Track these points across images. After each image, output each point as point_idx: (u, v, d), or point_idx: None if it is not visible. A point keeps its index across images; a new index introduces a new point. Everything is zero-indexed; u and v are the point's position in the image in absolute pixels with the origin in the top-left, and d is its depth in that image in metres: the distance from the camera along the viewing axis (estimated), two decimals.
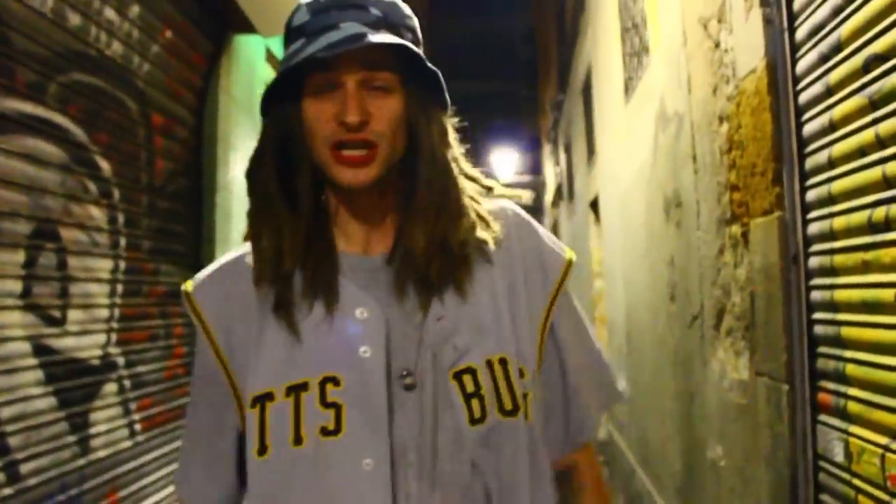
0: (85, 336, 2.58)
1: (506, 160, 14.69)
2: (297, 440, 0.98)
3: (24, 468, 2.24)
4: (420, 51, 1.03)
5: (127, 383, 2.89)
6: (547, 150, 14.11)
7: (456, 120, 1.10)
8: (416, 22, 1.08)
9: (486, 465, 1.01)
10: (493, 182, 1.15)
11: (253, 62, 4.18)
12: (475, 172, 1.12)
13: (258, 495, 1.01)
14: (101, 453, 2.67)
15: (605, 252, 6.89)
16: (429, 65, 1.03)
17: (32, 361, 2.29)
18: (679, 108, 3.61)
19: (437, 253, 1.03)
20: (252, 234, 1.05)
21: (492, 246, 1.08)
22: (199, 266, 3.58)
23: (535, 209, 17.18)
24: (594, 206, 7.42)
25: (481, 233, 1.07)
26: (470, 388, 1.02)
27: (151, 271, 3.13)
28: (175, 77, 3.31)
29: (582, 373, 1.17)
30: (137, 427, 2.95)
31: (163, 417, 3.14)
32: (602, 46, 6.34)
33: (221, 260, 1.10)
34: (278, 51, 4.73)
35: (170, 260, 3.31)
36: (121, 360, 2.85)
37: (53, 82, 2.38)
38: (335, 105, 0.98)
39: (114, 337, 2.79)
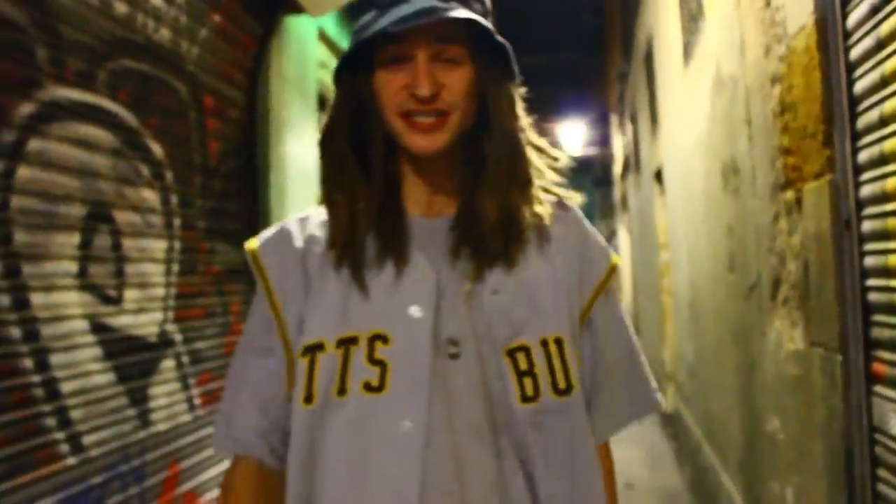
0: (141, 314, 2.68)
1: (574, 133, 14.49)
2: (342, 390, 1.01)
3: (87, 440, 2.35)
4: (490, 23, 1.05)
5: (185, 359, 2.99)
6: (614, 121, 13.88)
7: (524, 90, 1.12)
8: None
9: (534, 444, 1.02)
10: (560, 153, 1.16)
11: (304, 42, 4.23)
12: (543, 143, 1.14)
13: (301, 444, 1.03)
14: (162, 426, 2.78)
15: (670, 223, 6.77)
16: (498, 38, 1.04)
17: (90, 339, 2.39)
18: (733, 71, 3.50)
19: (506, 223, 1.05)
20: (326, 199, 1.09)
21: (548, 222, 1.09)
22: None
23: (605, 182, 16.92)
24: (658, 176, 7.28)
25: (539, 208, 1.09)
26: (523, 365, 1.02)
27: (207, 250, 3.22)
28: (225, 59, 3.38)
29: (615, 374, 1.15)
30: (197, 401, 3.05)
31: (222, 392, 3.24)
32: (662, 12, 6.19)
33: (287, 221, 1.13)
34: (331, 30, 4.78)
35: (225, 239, 3.40)
36: (178, 337, 2.94)
37: (103, 70, 2.47)
38: (406, 77, 1.01)
39: (170, 314, 2.89)
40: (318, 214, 1.12)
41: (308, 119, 4.27)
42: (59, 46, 2.25)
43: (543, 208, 1.11)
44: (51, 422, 2.20)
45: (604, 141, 15.24)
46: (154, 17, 2.77)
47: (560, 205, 1.14)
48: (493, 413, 1.02)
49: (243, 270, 3.57)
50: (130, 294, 2.62)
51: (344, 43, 5.00)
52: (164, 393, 2.82)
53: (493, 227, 1.05)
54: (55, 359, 2.22)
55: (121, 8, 2.57)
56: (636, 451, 6.60)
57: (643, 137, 8.75)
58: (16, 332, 2.07)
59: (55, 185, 2.23)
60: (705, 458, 4.92)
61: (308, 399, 1.02)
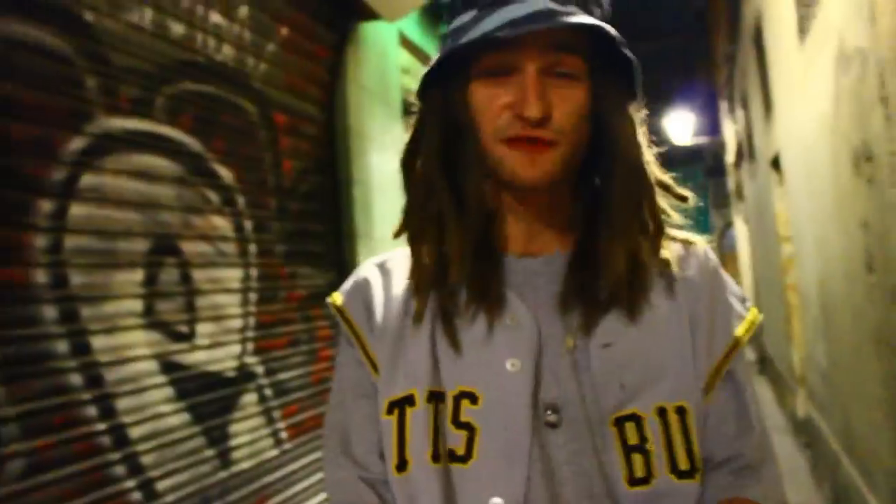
0: (217, 349, 2.55)
1: (683, 122, 13.85)
2: (436, 457, 0.85)
3: (161, 485, 2.23)
4: (614, 31, 0.85)
5: (268, 392, 2.85)
6: (724, 107, 13.17)
7: (644, 113, 0.93)
8: None
9: None
10: (687, 192, 0.96)
11: (384, 49, 4.06)
12: (668, 179, 0.94)
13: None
14: (245, 465, 2.64)
15: (792, 214, 6.25)
16: (626, 51, 0.84)
17: (160, 379, 2.27)
18: (862, 43, 3.08)
19: (631, 272, 0.88)
20: (410, 236, 0.92)
21: (675, 269, 0.91)
22: (342, 264, 3.52)
23: (718, 172, 16.18)
24: (775, 163, 6.75)
25: (665, 252, 0.92)
26: (633, 439, 0.84)
27: (288, 275, 3.08)
28: (297, 73, 3.24)
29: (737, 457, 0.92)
30: (283, 435, 2.91)
31: (313, 422, 3.09)
32: None
33: (360, 270, 1.00)
34: (413, 34, 4.59)
35: (308, 261, 3.25)
36: (259, 369, 2.81)
37: (160, 95, 2.35)
38: (511, 93, 0.83)
39: (249, 346, 2.76)
40: (398, 258, 0.97)
41: (392, 129, 4.09)
42: (111, 75, 2.14)
43: (670, 252, 0.92)
44: (120, 470, 2.09)
45: (713, 128, 14.52)
46: (215, 35, 2.64)
47: (687, 246, 0.95)
48: (594, 494, 0.83)
49: (330, 292, 3.42)
50: (203, 329, 2.49)
51: (428, 46, 4.80)
52: (246, 429, 2.68)
53: (619, 277, 0.86)
54: (122, 403, 2.11)
55: (177, 29, 2.44)
56: None
57: (756, 123, 8.19)
58: (76, 378, 1.96)
59: (112, 220, 2.11)
60: (846, 476, 4.44)
61: (401, 467, 0.86)
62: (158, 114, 2.33)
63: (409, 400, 0.87)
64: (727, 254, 19.19)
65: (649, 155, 0.92)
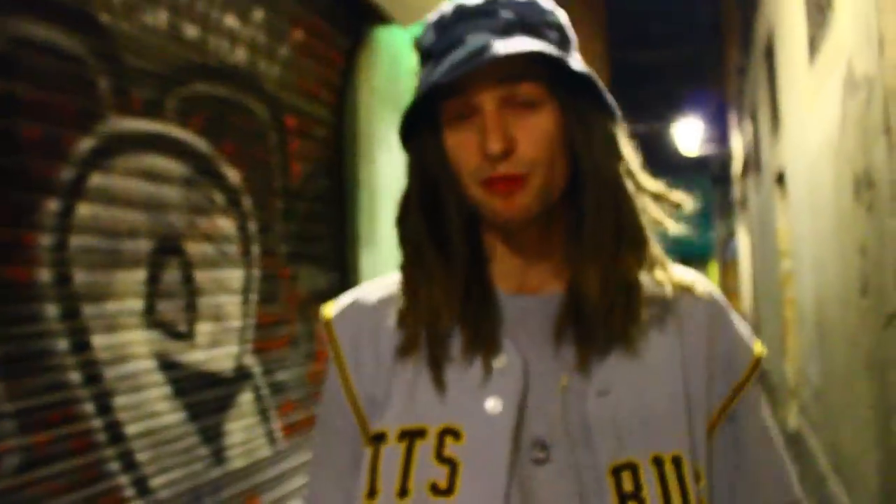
0: (215, 348, 2.58)
1: (691, 131, 13.84)
2: (403, 492, 0.86)
3: (154, 482, 2.26)
4: (568, 51, 0.87)
5: (265, 391, 2.88)
6: (733, 117, 13.16)
7: (625, 125, 0.93)
8: (559, 16, 0.90)
9: None
10: (681, 196, 0.95)
11: (397, 53, 4.07)
12: (658, 187, 0.94)
13: None
14: (239, 463, 2.68)
15: (793, 230, 6.26)
16: (576, 67, 0.85)
17: (158, 377, 2.30)
18: (869, 71, 3.10)
19: (614, 297, 0.87)
20: (406, 288, 0.94)
21: (671, 299, 0.90)
22: (345, 267, 3.56)
23: (724, 180, 16.16)
24: (780, 179, 6.76)
25: (661, 274, 0.90)
26: (628, 486, 0.84)
27: (290, 276, 3.10)
28: (310, 77, 3.26)
29: (757, 476, 0.94)
30: (278, 434, 2.94)
31: (308, 422, 3.12)
32: (784, 2, 5.71)
33: (361, 290, 1.00)
34: None
35: (311, 263, 3.28)
36: (257, 369, 2.84)
37: (172, 97, 2.37)
38: (476, 133, 0.85)
39: (248, 346, 2.79)
40: (393, 285, 0.97)
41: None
42: (123, 76, 2.17)
43: (666, 274, 0.91)
44: (114, 466, 2.12)
45: (722, 137, 14.51)
46: (229, 38, 2.66)
47: (697, 287, 0.94)
48: None
49: (330, 294, 3.45)
50: (203, 328, 2.52)
51: None
52: (241, 428, 2.72)
53: (597, 301, 0.86)
54: (119, 401, 2.14)
55: (191, 31, 2.47)
56: None
57: (763, 137, 8.20)
58: (75, 376, 1.99)
59: (118, 220, 2.14)
60: (831, 494, 4.47)
61: (371, 495, 0.88)
62: (169, 115, 2.36)
63: (381, 437, 0.89)
64: (729, 263, 19.22)
65: (634, 166, 0.92)
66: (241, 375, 2.74)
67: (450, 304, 0.89)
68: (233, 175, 2.71)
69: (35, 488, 1.83)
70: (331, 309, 0.98)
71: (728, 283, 19.59)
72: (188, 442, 2.43)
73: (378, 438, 0.89)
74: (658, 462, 0.85)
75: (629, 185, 0.90)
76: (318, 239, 3.36)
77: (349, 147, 3.60)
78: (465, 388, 0.88)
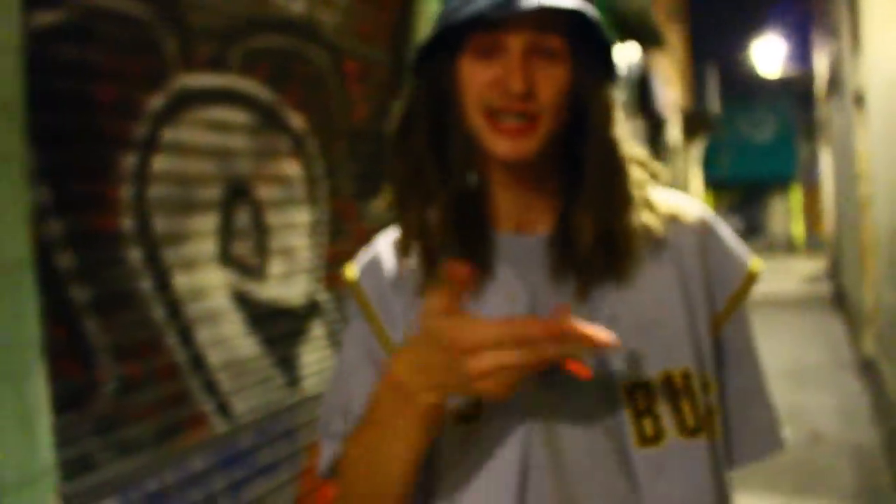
0: (287, 284, 2.78)
1: (772, 50, 13.30)
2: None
3: (236, 407, 2.49)
4: (594, 13, 0.95)
5: (337, 323, 3.08)
6: (817, 35, 12.57)
7: (620, 93, 1.01)
8: None
9: (650, 488, 0.93)
10: (658, 165, 1.04)
11: None
12: (642, 155, 1.03)
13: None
14: (314, 390, 2.90)
15: (871, 155, 6.07)
16: (604, 31, 0.94)
17: (235, 312, 2.51)
18: None
19: (603, 242, 0.96)
20: (398, 204, 1.02)
21: (660, 234, 0.98)
22: None
23: (808, 102, 15.53)
24: (859, 101, 6.52)
25: (648, 217, 0.99)
26: (642, 404, 0.94)
27: (355, 213, 3.27)
28: (367, 21, 3.36)
29: (738, 407, 1.03)
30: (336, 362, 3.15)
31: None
32: None
33: (376, 244, 1.08)
34: None
35: (376, 199, 3.43)
36: (328, 302, 3.04)
37: (235, 51, 2.51)
38: (497, 69, 0.92)
39: (319, 281, 2.98)
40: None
41: None
42: (188, 35, 2.31)
43: (656, 214, 0.99)
44: (199, 392, 2.35)
45: (805, 58, 13.89)
46: None
47: (686, 210, 1.02)
48: (604, 449, 0.93)
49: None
50: (275, 266, 2.71)
51: None
52: (316, 359, 2.93)
53: (590, 245, 0.95)
54: (201, 334, 2.35)
55: None
56: (827, 399, 6.16)
57: (844, 56, 7.87)
58: (159, 312, 2.20)
59: (191, 170, 2.32)
60: None
61: None
62: (233, 69, 2.50)
63: None
64: (813, 187, 18.59)
65: (625, 132, 0.99)
66: (312, 308, 2.94)
67: (442, 226, 0.96)
68: (297, 121, 2.86)
69: (130, 412, 2.07)
70: (353, 269, 1.07)
71: (812, 207, 19.01)
72: (266, 371, 2.65)
73: None
74: (668, 378, 0.94)
75: (623, 148, 0.99)
76: (381, 175, 3.50)
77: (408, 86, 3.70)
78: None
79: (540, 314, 0.94)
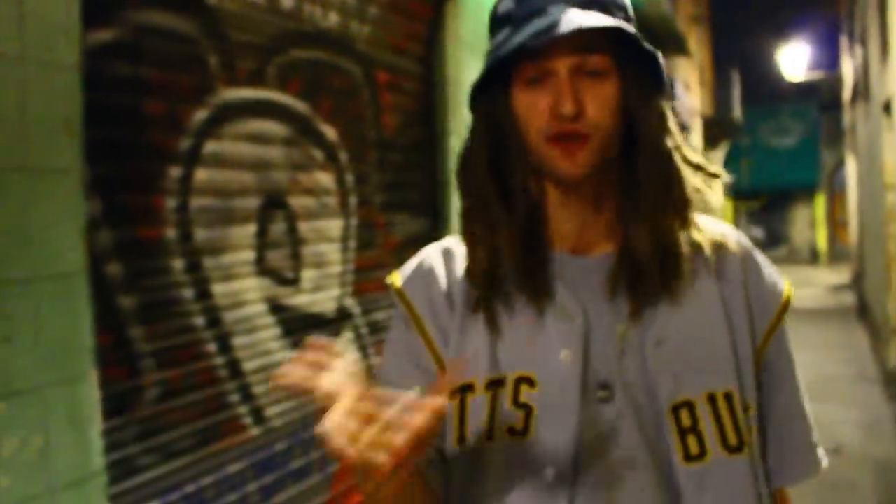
0: (318, 292, 2.85)
1: (797, 55, 13.24)
2: (490, 436, 1.00)
3: (269, 412, 2.56)
4: (633, 29, 0.98)
5: (364, 330, 3.15)
6: (844, 41, 12.49)
7: (674, 103, 1.05)
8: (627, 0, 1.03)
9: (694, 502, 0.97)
10: (719, 169, 1.08)
11: (482, 2, 4.17)
12: (700, 159, 1.05)
13: (460, 475, 1.03)
14: None
15: None
16: (645, 45, 0.98)
17: (270, 320, 2.58)
18: None
19: (662, 254, 0.99)
20: (466, 233, 1.05)
21: (708, 253, 1.02)
22: (437, 211, 3.76)
23: (834, 107, 15.43)
24: (887, 109, 6.50)
25: (698, 235, 1.02)
26: (686, 422, 0.97)
27: (385, 223, 3.33)
28: (398, 32, 3.42)
29: (779, 428, 1.06)
30: (376, 370, 3.21)
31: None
32: None
33: (422, 254, 1.11)
34: None
35: (405, 209, 3.49)
36: (356, 310, 3.10)
37: (272, 65, 2.58)
38: (548, 95, 0.96)
39: (348, 289, 3.04)
40: (455, 246, 1.08)
41: None
42: (229, 50, 2.39)
43: (703, 235, 1.03)
44: (235, 398, 2.42)
45: (832, 62, 13.81)
46: (321, 4, 2.84)
47: (728, 237, 1.06)
48: (649, 466, 0.97)
49: (423, 238, 3.66)
50: (307, 274, 2.78)
51: None
52: None
53: (648, 258, 0.98)
54: (237, 341, 2.42)
55: (287, 2, 2.66)
56: (850, 413, 6.12)
57: (873, 63, 7.83)
58: (200, 319, 2.27)
59: (230, 181, 2.39)
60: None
61: (461, 441, 1.01)
62: (271, 82, 2.57)
63: (469, 388, 0.99)
64: (837, 194, 18.45)
65: (679, 139, 1.02)
66: (342, 316, 3.01)
67: (510, 250, 1.00)
68: (330, 132, 2.93)
69: (171, 416, 2.14)
70: (398, 277, 1.09)
71: (836, 215, 18.86)
72: None
73: (465, 389, 0.99)
74: (712, 398, 0.97)
75: (677, 157, 1.02)
76: (411, 186, 3.56)
77: (438, 96, 3.75)
78: (535, 341, 0.99)
79: (594, 334, 0.99)
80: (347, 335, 3.04)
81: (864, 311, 10.25)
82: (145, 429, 2.05)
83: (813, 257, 20.80)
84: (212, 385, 2.32)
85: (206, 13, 2.29)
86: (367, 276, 3.17)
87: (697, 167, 1.05)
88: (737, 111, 16.13)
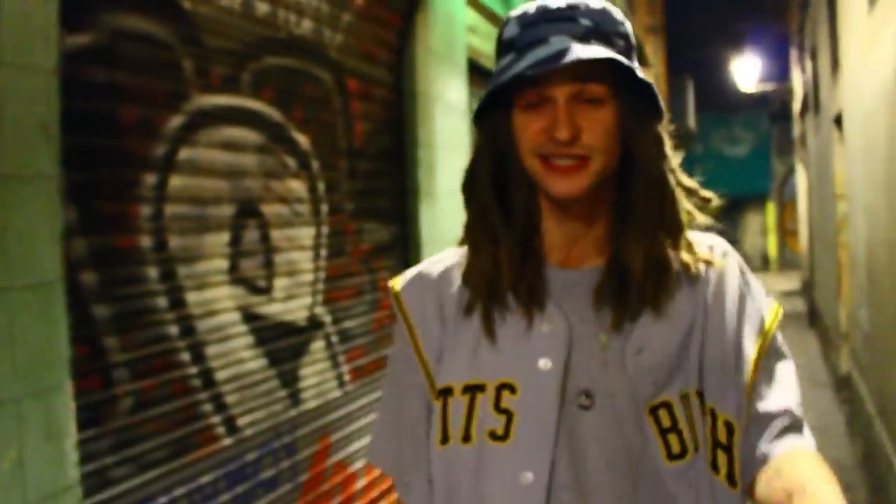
0: (290, 301, 2.83)
1: (750, 67, 13.56)
2: (466, 438, 1.04)
3: (241, 421, 2.54)
4: (631, 59, 1.03)
5: (334, 339, 3.14)
6: (794, 54, 12.83)
7: (672, 127, 1.09)
8: (628, 27, 1.06)
9: (684, 499, 1.01)
10: (711, 193, 1.12)
11: (452, 10, 4.19)
12: (693, 183, 1.10)
13: (439, 484, 1.08)
14: (312, 404, 2.94)
15: (849, 174, 6.24)
16: (641, 76, 1.01)
17: (242, 329, 2.55)
18: None
19: (650, 270, 1.03)
20: (469, 244, 1.10)
21: (694, 271, 1.06)
22: (405, 219, 3.77)
23: (784, 118, 15.82)
24: (838, 121, 6.70)
25: (687, 256, 1.06)
26: (666, 422, 1.01)
27: (355, 231, 3.32)
28: (369, 40, 3.42)
29: (768, 419, 1.05)
30: (346, 378, 3.21)
31: (372, 366, 3.37)
32: None
33: (424, 264, 1.17)
34: None
35: (374, 217, 3.49)
36: (327, 318, 3.09)
37: (246, 71, 2.57)
38: (545, 119, 1.00)
39: (319, 298, 3.03)
40: (453, 257, 1.14)
41: (457, 89, 4.26)
42: (204, 56, 2.36)
43: (692, 256, 1.06)
44: (208, 407, 2.39)
45: (782, 74, 14.17)
46: (295, 11, 2.83)
47: (717, 251, 1.09)
48: (633, 470, 1.00)
49: (392, 246, 3.67)
50: (280, 283, 2.76)
51: (495, 5, 4.93)
52: (314, 372, 2.98)
53: (639, 277, 1.02)
54: (210, 350, 2.40)
55: (262, 8, 2.65)
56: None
57: (823, 77, 8.06)
58: (173, 329, 2.24)
59: (204, 189, 2.37)
60: (877, 436, 4.60)
61: (444, 440, 1.06)
62: (244, 89, 2.56)
63: (448, 391, 1.06)
64: (787, 203, 18.92)
65: (674, 163, 1.07)
66: (314, 325, 2.99)
67: (509, 262, 1.05)
68: (302, 140, 2.91)
69: (146, 426, 2.11)
70: (399, 282, 1.15)
71: (785, 223, 19.35)
72: (268, 385, 2.69)
73: (446, 392, 1.07)
74: (685, 397, 1.02)
75: (671, 181, 1.06)
76: (381, 194, 3.56)
77: (408, 105, 3.76)
78: (518, 349, 1.05)
79: (577, 344, 1.03)
80: (318, 344, 3.03)
81: (814, 318, 10.52)
82: (119, 440, 2.01)
83: (764, 264, 21.29)
84: (185, 395, 2.29)
85: (181, 18, 2.27)
86: (337, 285, 3.17)
87: (690, 191, 1.10)
88: (691, 120, 16.46)
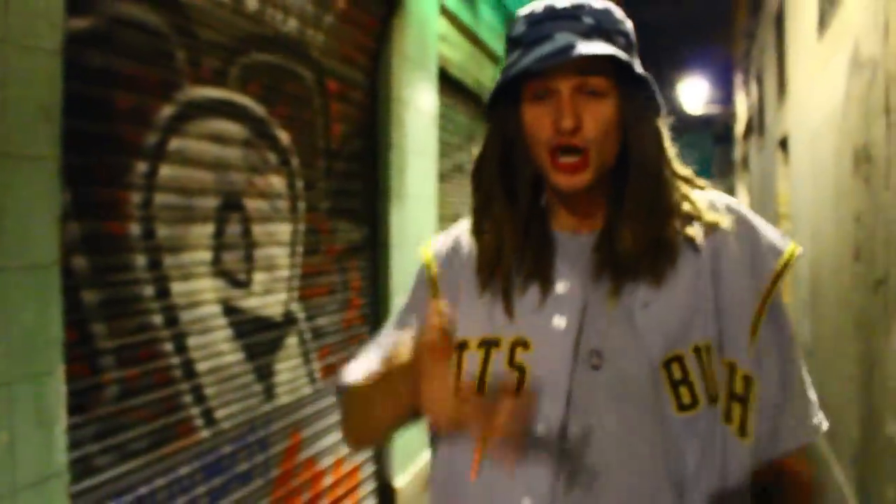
0: (268, 295, 2.84)
1: (696, 90, 13.97)
2: (480, 389, 1.07)
3: (219, 414, 2.53)
4: (632, 56, 1.09)
5: (307, 335, 3.15)
6: (738, 79, 13.27)
7: (670, 119, 1.15)
8: (628, 26, 1.13)
9: (690, 451, 1.04)
10: (705, 181, 1.18)
11: (426, 18, 4.25)
12: (688, 173, 1.16)
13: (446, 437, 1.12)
14: (285, 399, 2.95)
15: (793, 194, 6.49)
16: (639, 71, 1.08)
17: (223, 321, 2.55)
18: (874, 54, 3.30)
19: (644, 251, 1.08)
20: (475, 227, 1.17)
21: (700, 241, 1.10)
22: (376, 220, 3.80)
23: (726, 140, 16.31)
24: (783, 144, 6.97)
25: (689, 230, 1.10)
26: (678, 374, 1.05)
27: (329, 230, 3.35)
28: (349, 43, 3.46)
29: (776, 394, 1.11)
30: (317, 375, 3.22)
31: (342, 365, 3.38)
32: None
33: (449, 232, 1.25)
34: (452, 4, 4.78)
35: (347, 217, 3.52)
36: (301, 315, 3.10)
37: (234, 65, 2.58)
38: (551, 111, 1.06)
39: (295, 294, 3.04)
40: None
41: (428, 95, 4.32)
42: (196, 47, 2.37)
43: (693, 227, 1.10)
44: (188, 398, 2.38)
45: (726, 98, 14.62)
46: (283, 9, 2.86)
47: (719, 208, 1.13)
48: (643, 426, 1.04)
49: (363, 247, 3.69)
50: (258, 277, 2.77)
51: (465, 15, 5.01)
52: (288, 368, 2.98)
53: (630, 252, 1.08)
54: (192, 341, 2.39)
55: (252, 4, 2.66)
56: None
57: (768, 101, 8.37)
58: (158, 318, 2.24)
59: (192, 180, 2.37)
60: (817, 447, 4.79)
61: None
62: (233, 83, 2.57)
63: (464, 345, 1.11)
64: None
65: (670, 154, 1.12)
66: (288, 320, 3.00)
67: (513, 239, 1.12)
68: (284, 137, 2.93)
69: (129, 415, 2.10)
70: (429, 246, 1.25)
71: None
72: (245, 379, 2.69)
73: (461, 346, 1.11)
74: (697, 350, 1.05)
75: (667, 172, 1.12)
76: (354, 195, 3.59)
77: (382, 109, 3.81)
78: (534, 308, 1.10)
79: (590, 305, 1.08)
80: (291, 340, 3.04)
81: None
82: (105, 427, 2.00)
83: None
84: (167, 385, 2.28)
85: (175, 6, 2.27)
86: (311, 282, 3.18)
87: (685, 180, 1.16)
88: None
